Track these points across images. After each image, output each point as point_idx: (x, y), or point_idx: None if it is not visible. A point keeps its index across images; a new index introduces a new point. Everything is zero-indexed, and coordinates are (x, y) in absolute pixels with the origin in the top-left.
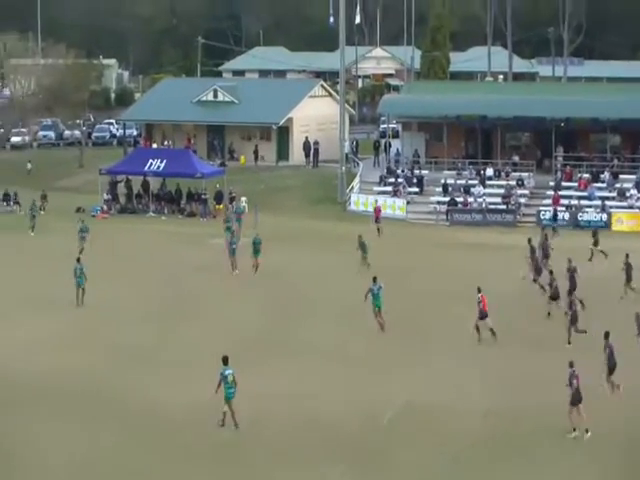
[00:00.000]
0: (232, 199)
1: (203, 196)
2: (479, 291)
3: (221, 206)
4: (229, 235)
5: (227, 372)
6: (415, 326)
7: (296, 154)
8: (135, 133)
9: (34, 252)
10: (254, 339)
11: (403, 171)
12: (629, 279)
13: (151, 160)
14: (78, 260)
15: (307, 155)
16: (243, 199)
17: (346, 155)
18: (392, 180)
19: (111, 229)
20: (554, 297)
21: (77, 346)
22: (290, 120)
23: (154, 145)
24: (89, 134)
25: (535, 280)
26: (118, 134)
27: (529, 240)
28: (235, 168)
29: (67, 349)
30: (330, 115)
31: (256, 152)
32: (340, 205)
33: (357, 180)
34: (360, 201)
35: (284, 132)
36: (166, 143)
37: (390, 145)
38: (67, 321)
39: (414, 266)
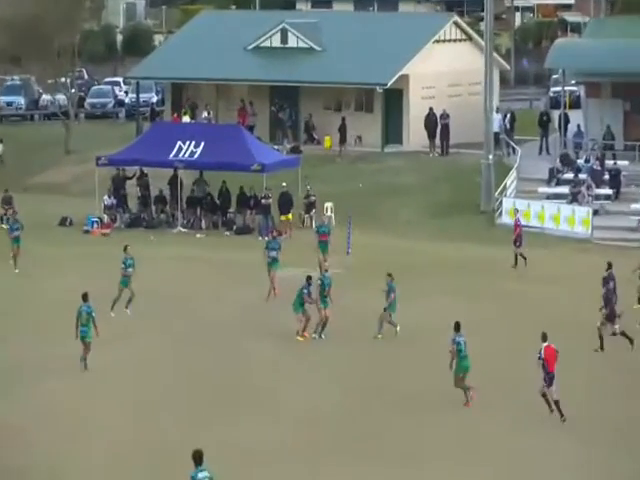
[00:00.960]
0: (309, 206)
1: (264, 201)
2: None
3: (290, 216)
4: (273, 269)
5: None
6: None
7: (414, 134)
8: (155, 99)
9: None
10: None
11: (587, 161)
12: None
13: (180, 143)
14: (84, 298)
15: (431, 136)
16: (328, 207)
17: (495, 136)
18: (569, 176)
19: (114, 254)
20: None
21: None
22: (404, 79)
23: (185, 118)
24: (81, 101)
25: None
26: (127, 101)
27: None
28: (315, 156)
29: None
30: (469, 71)
31: (343, 130)
32: (485, 216)
33: (513, 176)
34: (517, 209)
35: (395, 98)
36: (205, 115)
37: (567, 120)
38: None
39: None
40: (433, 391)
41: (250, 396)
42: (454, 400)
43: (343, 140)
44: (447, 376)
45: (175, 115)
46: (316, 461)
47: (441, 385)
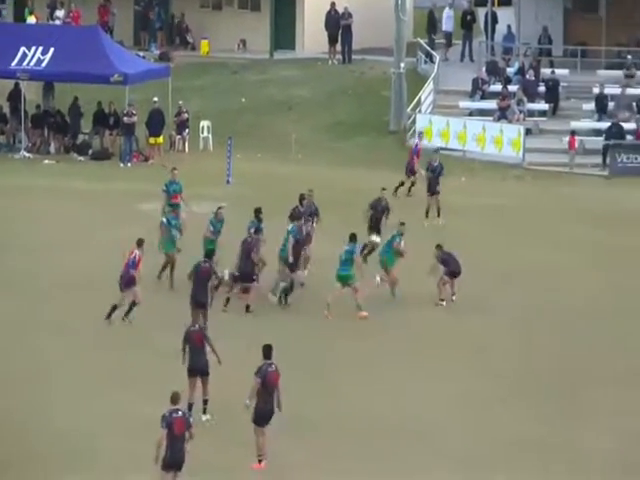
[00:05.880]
0: (181, 125)
1: (127, 119)
2: None
3: (160, 139)
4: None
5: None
6: None
7: (310, 37)
8: None
9: None
10: None
11: (519, 71)
12: None
13: (24, 49)
14: None
15: (332, 40)
16: (205, 126)
17: (447, 36)
18: (497, 88)
19: None
20: None
21: None
22: None
23: (31, 19)
24: None
25: None
26: None
27: None
28: (189, 64)
29: None
30: None
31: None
32: (395, 137)
33: (429, 88)
34: (435, 129)
35: None
36: (58, 14)
37: (495, 20)
38: None
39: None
40: None
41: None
42: None
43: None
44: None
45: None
46: None
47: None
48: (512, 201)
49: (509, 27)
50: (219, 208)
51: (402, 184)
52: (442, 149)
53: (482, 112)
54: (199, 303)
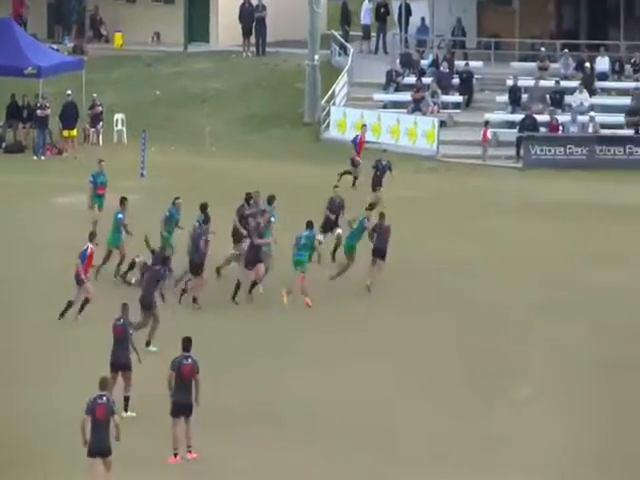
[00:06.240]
0: (95, 118)
1: (40, 112)
2: None
3: (74, 132)
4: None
5: None
6: None
7: (224, 30)
8: None
9: None
10: None
11: (433, 63)
12: None
13: None
14: None
15: (246, 33)
16: (119, 119)
17: (365, 29)
18: (411, 81)
19: None
20: None
21: None
22: None
23: None
24: None
25: None
26: None
27: None
28: (103, 57)
29: None
30: None
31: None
32: (309, 129)
33: (343, 81)
34: (349, 121)
35: None
36: None
37: (409, 12)
38: None
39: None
40: None
41: None
42: None
43: None
44: None
45: None
46: None
47: None
48: (426, 193)
49: (423, 19)
50: (176, 199)
51: (347, 172)
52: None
53: (396, 104)
54: (145, 304)
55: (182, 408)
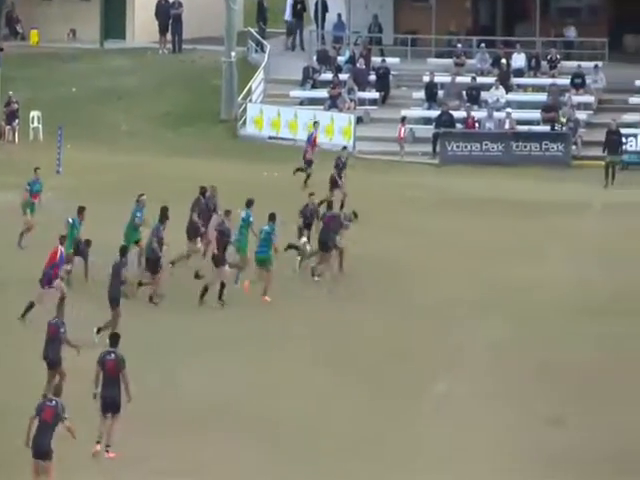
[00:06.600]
0: (11, 115)
1: None
2: None
3: None
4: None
5: None
6: None
7: (140, 27)
8: None
9: None
10: None
11: (350, 59)
12: None
13: None
14: None
15: (163, 30)
16: (35, 116)
17: (288, 26)
18: (328, 77)
19: None
20: None
21: None
22: None
23: None
24: None
25: None
26: None
27: None
28: (19, 55)
29: None
30: None
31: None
32: (225, 126)
33: (259, 78)
34: (266, 118)
35: None
36: None
37: (325, 8)
38: None
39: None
40: None
41: None
42: None
43: None
44: None
45: None
46: None
47: None
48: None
49: (339, 16)
50: (141, 195)
51: (300, 170)
52: (272, 138)
53: (313, 101)
54: (111, 300)
55: (109, 405)
